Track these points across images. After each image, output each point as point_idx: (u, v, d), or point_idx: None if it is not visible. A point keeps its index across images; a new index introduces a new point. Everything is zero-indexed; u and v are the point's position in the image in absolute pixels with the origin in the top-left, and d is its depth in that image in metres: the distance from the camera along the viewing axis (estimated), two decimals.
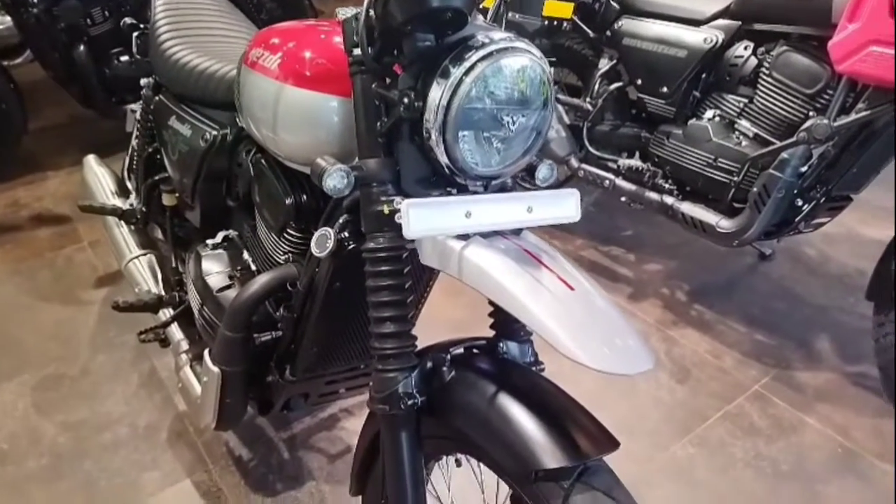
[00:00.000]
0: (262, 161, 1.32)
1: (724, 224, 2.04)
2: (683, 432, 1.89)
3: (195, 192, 1.55)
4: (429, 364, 0.99)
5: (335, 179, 0.92)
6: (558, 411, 0.88)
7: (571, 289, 0.86)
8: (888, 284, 1.71)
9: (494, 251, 0.89)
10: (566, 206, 0.99)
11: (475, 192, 0.98)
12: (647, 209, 2.31)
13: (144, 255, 1.84)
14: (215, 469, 1.76)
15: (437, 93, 0.90)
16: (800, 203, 1.95)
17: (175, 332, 1.66)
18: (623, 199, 2.37)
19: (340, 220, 1.08)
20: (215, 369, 1.32)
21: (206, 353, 1.37)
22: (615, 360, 0.80)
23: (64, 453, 1.79)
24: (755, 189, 1.94)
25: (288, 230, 1.29)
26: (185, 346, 1.62)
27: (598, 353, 0.79)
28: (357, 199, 1.02)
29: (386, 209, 0.94)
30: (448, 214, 0.90)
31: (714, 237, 2.08)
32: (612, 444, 0.85)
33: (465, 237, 0.92)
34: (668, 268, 2.63)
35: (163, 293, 1.75)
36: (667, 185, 2.20)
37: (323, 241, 1.08)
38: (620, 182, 2.34)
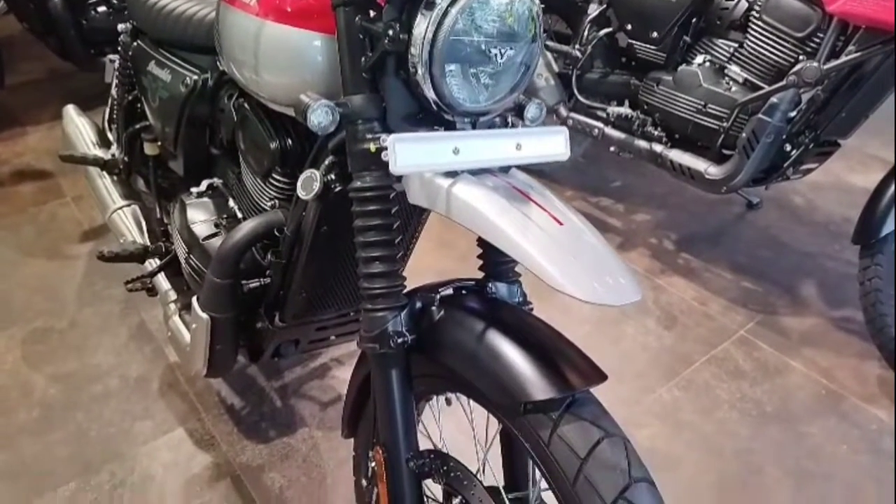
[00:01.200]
0: (245, 105, 1.29)
1: (712, 171, 2.04)
2: (670, 376, 1.92)
3: (177, 140, 1.52)
4: (418, 304, 0.98)
5: (319, 115, 0.90)
6: (546, 345, 0.89)
7: (560, 223, 0.86)
8: (874, 227, 1.72)
9: (483, 188, 0.88)
10: (555, 143, 0.98)
11: (463, 130, 0.96)
12: (636, 158, 2.30)
13: (128, 205, 1.81)
14: (208, 417, 1.77)
15: (422, 25, 0.87)
16: (788, 148, 1.94)
17: (162, 282, 1.65)
18: (612, 148, 2.36)
19: (326, 162, 1.06)
20: (204, 316, 1.32)
21: (194, 300, 1.36)
22: (603, 291, 0.80)
23: (55, 405, 1.80)
24: (744, 134, 1.93)
25: (273, 175, 1.27)
26: (172, 295, 1.61)
27: (586, 284, 0.79)
28: (343, 141, 1.00)
29: (372, 147, 0.92)
30: (435, 150, 0.89)
31: (703, 184, 2.08)
32: (600, 376, 0.86)
33: (452, 175, 0.91)
34: (657, 217, 2.64)
35: (148, 244, 1.73)
36: (656, 133, 2.19)
37: (309, 183, 1.07)
38: (609, 130, 2.33)
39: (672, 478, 1.62)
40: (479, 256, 1.08)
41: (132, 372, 1.90)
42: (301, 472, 1.64)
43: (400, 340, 0.95)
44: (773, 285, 2.27)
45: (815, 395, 1.87)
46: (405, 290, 1.00)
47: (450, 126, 0.96)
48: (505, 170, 0.96)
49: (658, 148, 2.18)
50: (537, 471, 1.03)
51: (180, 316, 1.57)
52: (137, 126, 1.75)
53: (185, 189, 1.53)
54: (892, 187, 1.72)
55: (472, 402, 1.04)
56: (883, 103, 1.90)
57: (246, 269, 1.32)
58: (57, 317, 2.08)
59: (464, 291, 1.04)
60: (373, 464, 1.07)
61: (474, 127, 0.97)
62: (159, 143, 1.66)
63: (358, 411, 1.22)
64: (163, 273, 1.67)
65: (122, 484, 1.61)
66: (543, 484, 0.88)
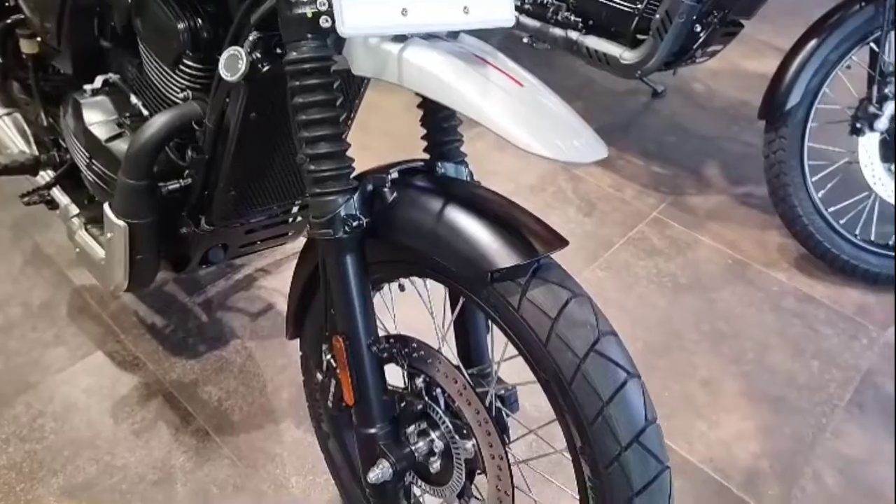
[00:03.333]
0: None
1: (627, 55, 2.06)
2: (592, 259, 1.99)
3: (61, 33, 1.34)
4: (369, 186, 0.94)
5: None
6: (505, 215, 0.88)
7: (521, 85, 0.83)
8: (780, 101, 1.80)
9: (437, 51, 0.84)
10: (502, 7, 0.93)
11: None
12: (550, 48, 2.28)
13: (8, 114, 1.61)
14: (128, 338, 1.67)
15: None
16: (698, 29, 1.98)
17: (60, 196, 1.50)
18: (525, 39, 2.32)
19: (251, 38, 0.97)
20: (120, 223, 1.21)
21: (106, 206, 1.24)
22: (568, 149, 0.79)
23: None
24: (657, 16, 1.95)
25: (184, 62, 1.15)
26: (74, 209, 1.47)
27: (551, 143, 0.78)
28: (267, 14, 0.92)
29: (309, 12, 0.84)
30: (383, 11, 0.82)
31: (618, 69, 2.10)
32: (561, 241, 0.86)
33: (401, 39, 0.85)
34: None
35: (38, 154, 1.55)
36: (572, 19, 2.16)
37: (233, 62, 0.97)
38: (524, 19, 2.28)
39: None
40: (423, 137, 1.03)
41: (34, 299, 1.75)
42: (238, 382, 1.59)
43: (355, 224, 0.91)
44: (681, 168, 2.37)
45: (723, 265, 2.00)
46: (353, 174, 0.94)
47: None
48: (454, 36, 0.91)
49: (573, 35, 2.16)
50: (493, 347, 1.05)
51: (87, 230, 1.44)
52: (9, 20, 1.51)
53: (76, 89, 1.36)
54: (797, 61, 1.80)
55: (427, 283, 1.03)
56: None
57: (161, 171, 1.21)
58: None
59: (413, 173, 1.00)
60: (328, 356, 1.05)
61: None
62: (39, 40, 1.46)
63: (303, 309, 1.17)
64: (59, 186, 1.51)
65: (42, 414, 1.50)
66: (511, 350, 0.89)
